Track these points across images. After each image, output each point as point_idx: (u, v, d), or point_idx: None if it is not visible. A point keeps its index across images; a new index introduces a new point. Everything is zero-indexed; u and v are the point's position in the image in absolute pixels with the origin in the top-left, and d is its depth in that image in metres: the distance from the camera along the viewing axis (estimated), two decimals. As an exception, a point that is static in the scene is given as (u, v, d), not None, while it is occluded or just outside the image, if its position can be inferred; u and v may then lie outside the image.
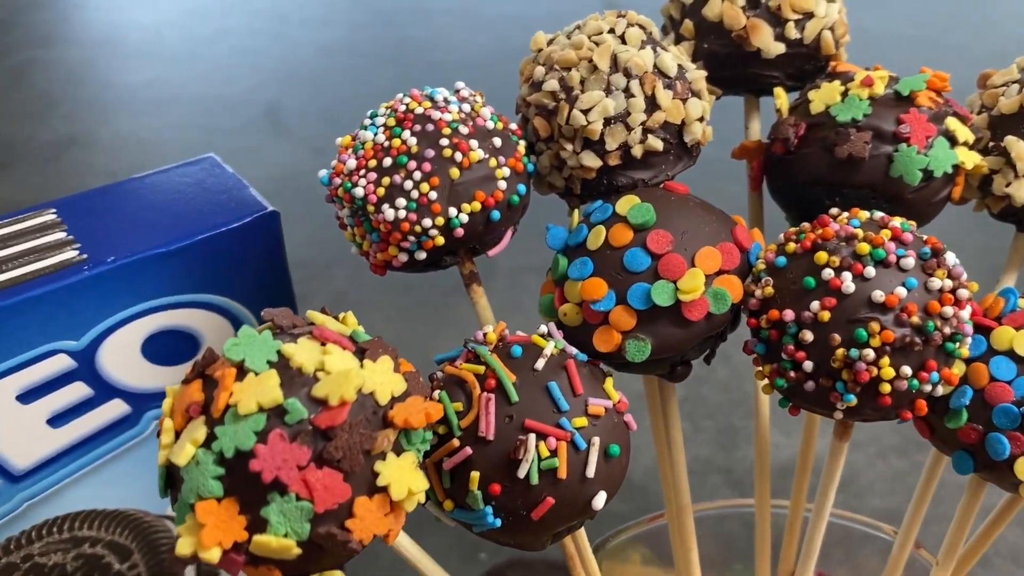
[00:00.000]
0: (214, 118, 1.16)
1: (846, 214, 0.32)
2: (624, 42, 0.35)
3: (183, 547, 0.25)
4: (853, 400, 0.30)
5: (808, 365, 0.30)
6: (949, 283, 0.30)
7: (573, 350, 0.32)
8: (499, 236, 0.35)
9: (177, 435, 0.26)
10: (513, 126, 0.36)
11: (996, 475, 0.33)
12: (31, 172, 1.05)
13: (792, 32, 0.37)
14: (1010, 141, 0.36)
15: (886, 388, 0.30)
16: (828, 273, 0.30)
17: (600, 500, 0.30)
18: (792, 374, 0.31)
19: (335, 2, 1.47)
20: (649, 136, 0.34)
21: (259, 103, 1.18)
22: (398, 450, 0.27)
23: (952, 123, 0.36)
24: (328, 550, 0.26)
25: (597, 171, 0.35)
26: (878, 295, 0.29)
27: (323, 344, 0.27)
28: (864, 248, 0.30)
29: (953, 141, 0.36)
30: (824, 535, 0.40)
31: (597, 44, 0.35)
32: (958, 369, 0.31)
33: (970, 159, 0.36)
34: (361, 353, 0.28)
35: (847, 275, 0.30)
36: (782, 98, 0.38)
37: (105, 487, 0.41)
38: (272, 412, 0.25)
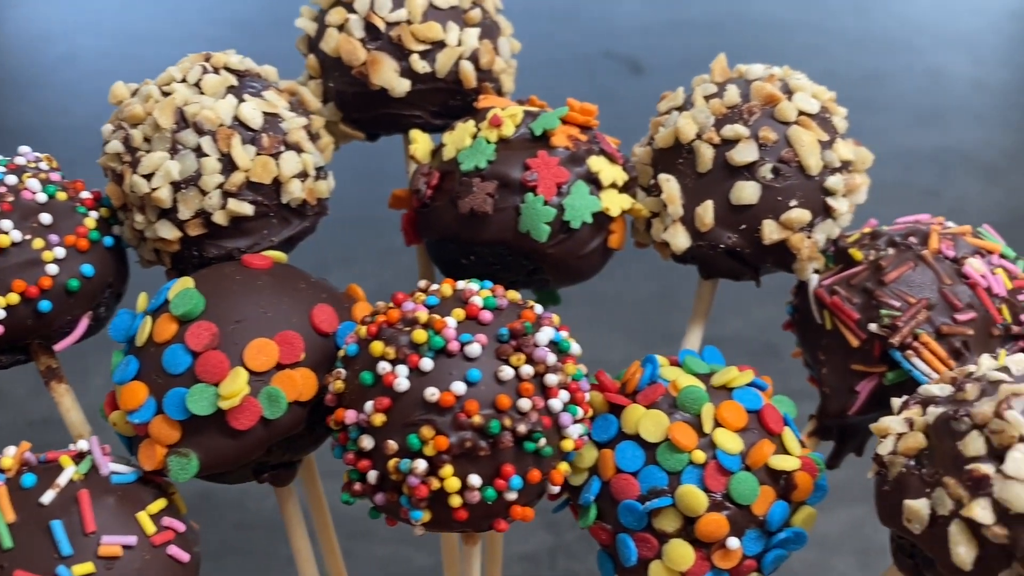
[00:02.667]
0: (52, 150, 1.10)
1: (421, 288, 0.27)
2: (201, 91, 0.30)
3: None
4: (423, 517, 0.25)
5: (373, 475, 0.25)
6: (529, 369, 0.25)
7: (114, 468, 0.27)
8: (70, 325, 0.30)
9: None
10: (87, 193, 0.31)
11: (636, 580, 0.28)
12: None
13: (419, 65, 0.32)
14: (662, 180, 0.31)
15: (456, 501, 0.25)
16: (384, 367, 0.25)
17: (126, 658, 0.25)
18: (358, 486, 0.26)
19: (190, 20, 1.41)
20: (232, 200, 0.29)
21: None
22: None
23: (596, 163, 0.31)
24: None
25: (180, 243, 0.30)
26: (432, 393, 0.24)
27: None
28: (421, 336, 0.25)
29: (596, 184, 0.31)
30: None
31: (165, 95, 0.30)
32: (566, 465, 0.27)
33: (616, 204, 0.31)
34: None
35: (402, 369, 0.25)
36: (416, 142, 0.33)
37: None
38: None
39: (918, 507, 0.24)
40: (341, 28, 0.33)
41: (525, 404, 0.25)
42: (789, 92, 0.31)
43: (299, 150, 0.31)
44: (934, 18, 1.36)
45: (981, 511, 0.22)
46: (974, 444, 0.23)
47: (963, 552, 0.23)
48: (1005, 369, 0.25)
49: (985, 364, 0.25)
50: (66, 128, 1.12)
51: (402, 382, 0.25)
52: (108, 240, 0.31)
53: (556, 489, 0.27)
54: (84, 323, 0.30)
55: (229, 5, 1.44)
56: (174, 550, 0.26)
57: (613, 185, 0.31)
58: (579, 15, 1.42)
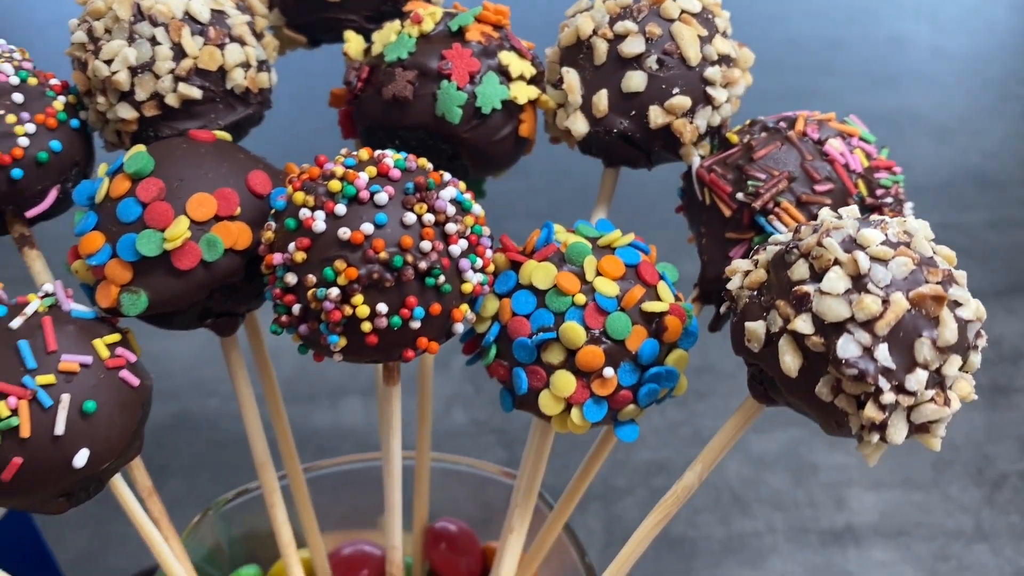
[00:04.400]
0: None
1: (344, 154, 0.31)
2: (156, -11, 0.34)
3: None
4: (340, 341, 0.29)
5: (297, 308, 0.30)
6: (430, 217, 0.29)
7: (75, 307, 0.31)
8: (38, 195, 0.34)
9: None
10: (56, 81, 0.35)
11: (531, 410, 0.32)
12: None
13: (353, -27, 0.37)
14: (564, 72, 0.35)
15: (367, 327, 0.29)
16: (304, 212, 0.29)
17: (81, 458, 0.29)
18: (284, 318, 0.30)
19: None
20: (181, 84, 0.33)
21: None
22: None
23: (506, 57, 0.35)
24: None
25: (138, 123, 0.34)
26: (344, 232, 0.29)
27: None
28: (336, 186, 0.29)
29: (507, 76, 0.35)
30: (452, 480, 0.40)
31: (124, -8, 0.34)
32: (467, 308, 0.31)
33: (524, 93, 0.35)
34: None
35: (320, 214, 0.29)
36: (351, 42, 0.37)
37: None
38: None
39: (755, 327, 0.28)
40: (283, -63, 0.37)
41: (426, 246, 0.29)
42: (674, -6, 0.35)
43: (242, 43, 0.35)
44: (897, -13, 1.40)
45: (803, 324, 0.27)
46: (799, 270, 0.27)
47: (789, 361, 0.27)
48: (838, 217, 0.29)
49: (824, 215, 0.29)
50: (33, 26, 1.15)
51: (319, 225, 0.29)
52: (75, 122, 0.35)
53: (459, 327, 0.31)
54: (53, 194, 0.34)
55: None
56: (125, 374, 0.30)
57: (521, 77, 0.35)
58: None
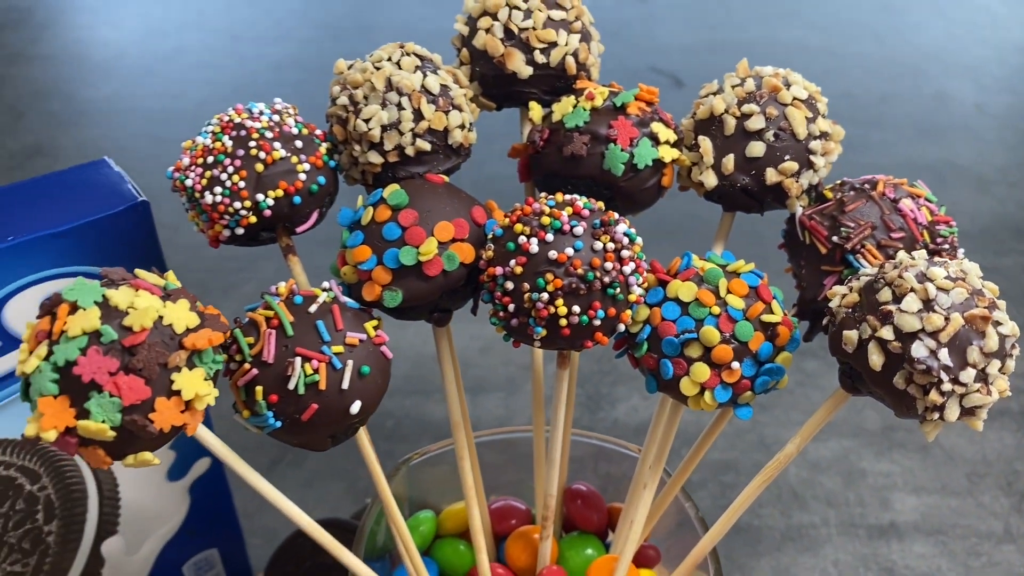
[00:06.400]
0: (167, 129, 1.27)
1: (545, 196, 0.42)
2: (400, 67, 0.46)
3: (29, 431, 0.36)
4: (543, 332, 0.41)
5: (511, 307, 0.41)
6: (612, 245, 0.40)
7: (346, 300, 0.42)
8: (305, 217, 0.46)
9: (28, 356, 0.37)
10: (319, 132, 0.47)
11: (672, 393, 0.43)
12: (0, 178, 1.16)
13: (540, 58, 0.48)
14: (701, 140, 0.46)
15: (563, 322, 0.40)
16: (522, 239, 0.41)
17: (356, 407, 0.40)
18: (501, 314, 0.41)
19: (285, 20, 1.58)
20: (418, 140, 0.45)
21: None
22: (191, 365, 0.38)
23: (656, 127, 0.46)
24: (137, 434, 0.36)
25: (382, 167, 0.46)
26: (552, 254, 0.40)
27: (136, 290, 0.38)
28: (547, 220, 0.40)
29: (656, 140, 0.46)
30: (582, 453, 0.51)
31: (377, 69, 0.45)
32: (631, 312, 0.42)
33: (669, 154, 0.46)
34: (167, 297, 0.38)
35: (533, 240, 0.40)
36: (535, 111, 0.48)
37: (14, 420, 0.51)
38: (92, 335, 0.36)
39: (851, 335, 0.39)
40: (488, 31, 0.48)
41: (608, 266, 0.40)
42: (788, 84, 0.46)
43: (460, 109, 0.46)
44: (944, 47, 1.50)
45: (886, 332, 0.37)
46: (885, 294, 0.38)
47: (876, 359, 0.38)
48: (912, 258, 0.40)
49: (901, 256, 0.40)
50: (179, 111, 1.29)
51: (534, 247, 0.40)
52: (332, 163, 0.46)
53: (622, 327, 0.42)
54: (314, 216, 0.46)
55: (318, 9, 1.61)
56: (384, 349, 0.41)
57: (667, 142, 0.47)
58: (627, 35, 1.58)
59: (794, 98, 0.45)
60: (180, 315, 0.37)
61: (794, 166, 0.45)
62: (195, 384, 0.37)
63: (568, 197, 0.42)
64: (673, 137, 0.47)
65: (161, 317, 0.37)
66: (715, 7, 1.67)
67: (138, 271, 0.40)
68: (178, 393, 0.37)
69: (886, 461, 0.80)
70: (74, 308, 0.36)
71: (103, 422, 0.36)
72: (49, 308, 0.37)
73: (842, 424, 0.82)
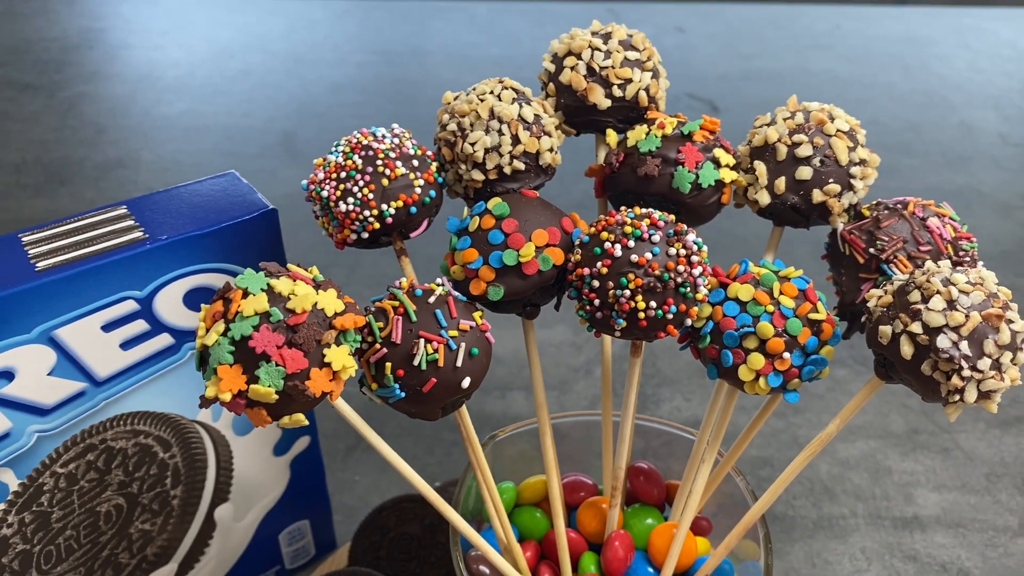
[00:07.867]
0: (237, 144, 1.36)
1: (625, 209, 0.50)
2: (500, 99, 0.54)
3: (209, 392, 0.44)
4: (624, 323, 0.48)
5: (597, 302, 0.49)
6: (683, 251, 0.48)
7: (456, 293, 0.50)
8: (418, 224, 0.54)
9: (207, 331, 0.45)
10: (430, 152, 0.55)
11: (731, 379, 0.51)
12: (85, 188, 1.26)
13: (617, 92, 0.56)
14: (757, 164, 0.54)
15: (642, 315, 0.48)
16: (607, 245, 0.48)
17: (467, 382, 0.48)
18: (587, 308, 0.49)
19: (343, 45, 1.68)
20: (515, 161, 0.53)
21: (276, 132, 1.38)
22: (338, 343, 0.46)
23: (718, 152, 0.54)
24: (296, 398, 0.44)
25: (483, 183, 0.54)
26: (634, 257, 0.48)
27: (294, 280, 0.46)
28: (629, 229, 0.48)
29: (718, 164, 0.54)
30: (643, 435, 0.58)
31: (481, 100, 0.54)
32: (698, 309, 0.49)
33: (729, 176, 0.54)
34: (317, 287, 0.46)
35: (617, 246, 0.48)
36: (611, 137, 0.56)
37: (155, 396, 0.60)
38: (262, 315, 0.44)
39: (886, 330, 0.46)
40: (573, 68, 0.56)
41: (681, 269, 0.48)
42: (832, 118, 0.53)
43: (549, 135, 0.54)
44: (969, 78, 1.57)
45: (916, 327, 0.45)
46: (914, 296, 0.45)
47: (907, 350, 0.45)
48: (938, 267, 0.47)
49: (928, 265, 0.48)
50: (246, 128, 1.38)
51: (618, 251, 0.48)
52: (440, 179, 0.54)
53: (690, 322, 0.50)
54: (425, 224, 0.54)
55: (374, 35, 1.70)
56: (488, 335, 0.49)
57: (727, 165, 0.54)
58: (665, 63, 1.66)
59: (837, 130, 0.53)
60: (330, 301, 0.46)
61: (837, 188, 0.52)
62: (342, 358, 0.45)
63: (645, 210, 0.50)
64: (732, 161, 0.55)
65: (316, 302, 0.45)
66: (750, 38, 1.75)
67: (289, 265, 0.48)
68: (328, 365, 0.45)
69: (910, 461, 0.87)
70: (245, 293, 0.45)
71: (269, 387, 0.44)
72: (222, 294, 0.46)
73: (869, 427, 0.88)
